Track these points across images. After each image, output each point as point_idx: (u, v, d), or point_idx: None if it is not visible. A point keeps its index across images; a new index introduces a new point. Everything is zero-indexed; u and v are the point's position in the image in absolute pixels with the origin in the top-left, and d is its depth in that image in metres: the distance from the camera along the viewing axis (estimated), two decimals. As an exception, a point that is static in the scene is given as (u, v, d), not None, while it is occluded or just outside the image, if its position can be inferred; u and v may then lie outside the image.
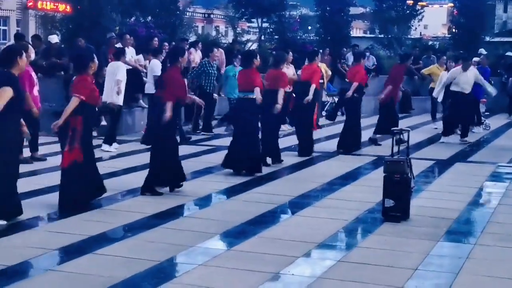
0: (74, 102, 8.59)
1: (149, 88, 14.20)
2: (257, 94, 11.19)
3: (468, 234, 8.11)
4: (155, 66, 14.48)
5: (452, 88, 15.49)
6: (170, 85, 9.59)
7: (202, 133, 16.26)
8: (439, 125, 18.02)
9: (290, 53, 16.78)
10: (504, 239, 7.69)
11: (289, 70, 15.38)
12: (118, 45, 16.00)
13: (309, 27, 38.77)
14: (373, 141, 14.95)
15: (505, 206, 9.50)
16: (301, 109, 13.46)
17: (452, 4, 32.73)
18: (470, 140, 15.76)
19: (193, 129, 16.44)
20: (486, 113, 19.77)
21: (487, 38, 32.54)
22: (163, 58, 14.97)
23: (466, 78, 15.37)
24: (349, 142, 14.08)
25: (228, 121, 16.00)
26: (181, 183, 9.88)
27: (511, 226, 8.31)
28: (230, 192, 10.05)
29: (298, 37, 29.78)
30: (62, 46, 18.06)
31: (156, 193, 9.53)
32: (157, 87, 10.49)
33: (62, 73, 16.46)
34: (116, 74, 13.16)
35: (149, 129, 11.88)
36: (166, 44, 18.02)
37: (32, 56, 11.42)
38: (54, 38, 17.18)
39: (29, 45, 12.04)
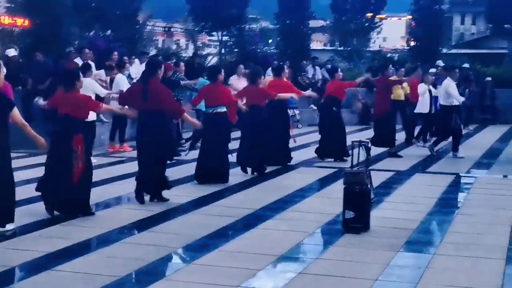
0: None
1: (115, 103, 14.20)
2: (240, 106, 12.23)
3: (427, 244, 8.18)
4: (121, 80, 14.54)
5: (441, 101, 15.62)
6: (159, 96, 9.79)
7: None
8: (398, 136, 18.22)
9: (241, 66, 17.02)
10: (463, 249, 7.77)
11: (241, 83, 15.73)
12: (77, 59, 15.92)
13: (270, 40, 38.94)
14: (392, 154, 15.37)
15: (463, 215, 9.61)
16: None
17: (410, 17, 33.12)
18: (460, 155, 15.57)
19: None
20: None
21: (445, 50, 33.04)
22: (128, 72, 15.26)
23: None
24: (336, 151, 14.46)
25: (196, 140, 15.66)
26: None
27: (469, 236, 8.41)
28: (192, 205, 10.02)
29: (259, 50, 29.94)
30: (20, 60, 17.91)
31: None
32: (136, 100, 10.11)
33: (20, 87, 16.31)
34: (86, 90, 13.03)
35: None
36: (126, 58, 17.97)
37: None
38: (11, 52, 17.03)
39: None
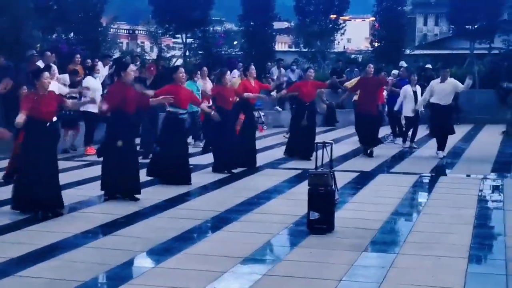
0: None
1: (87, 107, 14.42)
2: (204, 108, 12.74)
3: (391, 244, 8.23)
4: (90, 82, 14.82)
5: (431, 100, 15.72)
6: (107, 97, 10.64)
7: None
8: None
9: (205, 68, 17.19)
10: (426, 248, 7.84)
11: (206, 85, 15.93)
12: (39, 62, 15.78)
13: (235, 42, 38.95)
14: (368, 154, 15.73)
15: (427, 215, 9.70)
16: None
17: (373, 18, 33.31)
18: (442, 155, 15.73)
19: None
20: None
21: (408, 51, 33.29)
22: (98, 74, 15.50)
23: (443, 89, 15.53)
24: (304, 149, 14.72)
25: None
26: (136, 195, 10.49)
27: (432, 235, 8.49)
28: (155, 209, 9.98)
29: (223, 52, 29.90)
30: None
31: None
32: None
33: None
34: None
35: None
36: (89, 60, 17.85)
37: None
38: (-29, 55, 16.82)
39: None
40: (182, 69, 12.20)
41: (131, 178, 10.46)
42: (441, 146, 15.76)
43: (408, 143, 17.42)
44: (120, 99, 10.28)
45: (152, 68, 16.65)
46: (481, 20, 29.57)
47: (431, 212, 9.91)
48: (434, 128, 15.92)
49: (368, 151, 15.72)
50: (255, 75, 14.61)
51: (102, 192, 10.56)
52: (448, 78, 15.63)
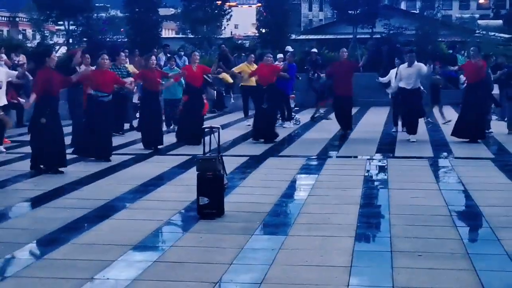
0: None
1: None
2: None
3: (280, 226, 8.31)
4: None
5: (400, 84, 15.84)
6: (35, 84, 11.85)
7: None
8: (252, 122, 18.47)
9: (87, 55, 16.95)
10: (314, 229, 7.96)
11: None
12: None
13: (122, 30, 38.37)
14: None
15: (314, 197, 9.84)
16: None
17: (259, 4, 33.54)
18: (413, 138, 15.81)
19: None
20: (296, 108, 20.44)
21: (293, 36, 33.71)
22: None
23: (408, 73, 15.65)
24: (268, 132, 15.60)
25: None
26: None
27: (320, 216, 8.62)
28: (41, 199, 9.71)
29: (108, 39, 29.41)
30: None
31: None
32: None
33: None
34: None
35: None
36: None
37: None
38: None
39: None
40: (105, 55, 13.30)
41: (57, 153, 11.67)
42: (411, 130, 15.90)
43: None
44: (47, 83, 11.54)
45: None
46: (363, 6, 30.26)
47: (319, 193, 10.07)
48: (404, 113, 16.15)
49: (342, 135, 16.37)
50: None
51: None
52: (415, 62, 15.87)
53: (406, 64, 15.91)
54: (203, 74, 15.81)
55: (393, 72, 17.64)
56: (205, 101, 15.92)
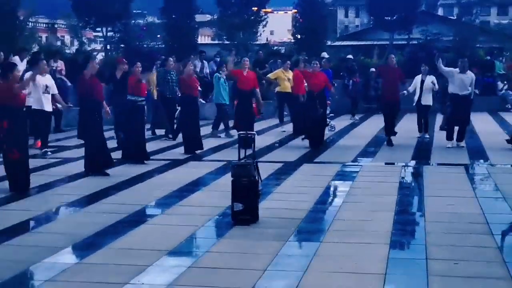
0: None
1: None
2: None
3: (315, 232, 8.30)
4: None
5: (450, 90, 15.70)
6: None
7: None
8: (287, 128, 18.54)
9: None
10: (349, 235, 7.94)
11: None
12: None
13: (158, 36, 38.67)
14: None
15: (349, 203, 9.82)
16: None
17: (295, 10, 33.56)
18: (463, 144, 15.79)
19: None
20: (331, 115, 20.39)
21: (329, 42, 33.68)
22: None
23: (461, 79, 15.48)
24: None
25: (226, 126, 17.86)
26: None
27: (354, 223, 8.61)
28: (79, 204, 9.84)
29: (145, 45, 29.66)
30: None
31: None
32: None
33: None
34: None
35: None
36: (1, 53, 17.48)
37: None
38: None
39: None
40: (139, 63, 13.64)
41: (105, 155, 12.32)
42: (461, 136, 15.82)
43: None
44: (93, 89, 12.06)
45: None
46: (399, 12, 30.12)
47: (354, 200, 10.04)
48: (453, 119, 16.03)
49: (388, 140, 16.26)
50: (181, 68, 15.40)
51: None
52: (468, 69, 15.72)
53: (458, 69, 15.71)
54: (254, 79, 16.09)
55: (417, 78, 17.49)
56: (254, 104, 16.40)
